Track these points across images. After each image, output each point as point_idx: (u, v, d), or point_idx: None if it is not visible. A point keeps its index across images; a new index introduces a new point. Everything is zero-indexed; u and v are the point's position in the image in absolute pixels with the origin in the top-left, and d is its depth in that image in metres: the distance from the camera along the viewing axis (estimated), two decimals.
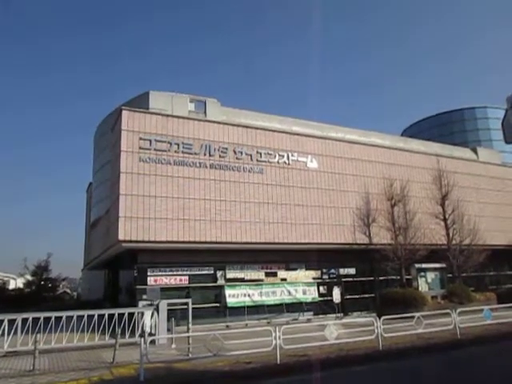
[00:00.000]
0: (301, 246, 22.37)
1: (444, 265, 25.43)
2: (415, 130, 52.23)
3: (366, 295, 24.87)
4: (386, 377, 9.99)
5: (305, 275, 23.82)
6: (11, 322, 13.67)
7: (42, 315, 14.30)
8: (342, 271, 25.06)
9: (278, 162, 23.04)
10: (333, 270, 24.78)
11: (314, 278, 23.99)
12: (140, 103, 22.11)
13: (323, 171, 24.39)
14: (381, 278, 25.09)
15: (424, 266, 24.83)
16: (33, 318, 14.03)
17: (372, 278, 25.21)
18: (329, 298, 23.49)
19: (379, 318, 13.07)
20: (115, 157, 20.62)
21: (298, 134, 24.43)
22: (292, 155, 23.55)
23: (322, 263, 23.56)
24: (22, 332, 13.66)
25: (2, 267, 65.98)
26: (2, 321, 13.53)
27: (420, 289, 23.97)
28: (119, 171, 19.03)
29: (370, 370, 10.62)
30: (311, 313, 23.15)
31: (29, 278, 35.58)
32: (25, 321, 13.89)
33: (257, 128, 23.27)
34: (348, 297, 24.34)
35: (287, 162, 23.32)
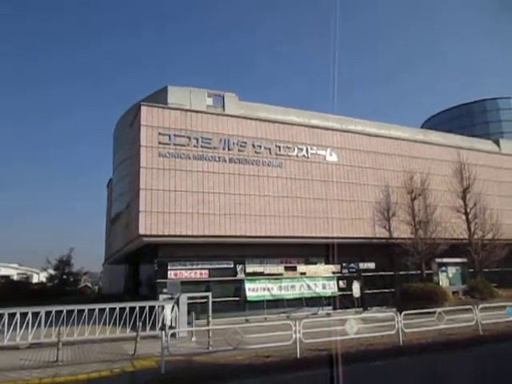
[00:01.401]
0: (320, 239, 22.28)
1: (465, 259, 25.04)
2: (435, 122, 51.28)
3: (386, 290, 24.65)
4: (407, 372, 9.91)
5: (324, 269, 23.76)
6: (35, 315, 14.05)
7: (64, 308, 14.67)
8: (362, 265, 24.92)
9: (296, 156, 22.96)
10: (352, 265, 24.67)
11: (333, 273, 23.91)
12: (158, 98, 22.24)
13: (342, 164, 24.21)
14: (401, 273, 24.82)
15: (445, 260, 24.50)
16: (56, 311, 14.39)
17: (392, 273, 24.95)
18: (348, 293, 23.47)
19: (399, 313, 12.97)
20: (135, 152, 20.83)
21: (316, 127, 24.27)
22: (311, 148, 23.42)
23: (341, 257, 23.39)
24: (45, 324, 14.03)
25: (26, 262, 67.65)
26: (26, 314, 13.91)
27: (441, 284, 23.68)
28: (139, 166, 19.23)
29: (391, 366, 10.54)
30: (330, 307, 23.11)
31: (51, 272, 36.27)
32: (48, 314, 14.27)
33: (275, 122, 23.20)
34: (367, 291, 24.21)
35: (306, 155, 23.21)
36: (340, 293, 23.50)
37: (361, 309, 22.98)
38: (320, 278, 23.28)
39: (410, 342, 12.62)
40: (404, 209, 23.92)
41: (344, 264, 24.39)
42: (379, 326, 13.22)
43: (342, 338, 12.24)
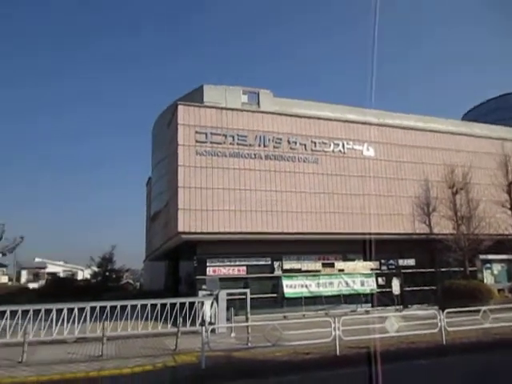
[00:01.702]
0: (357, 236, 21.97)
1: None
2: (475, 114, 49.47)
3: (427, 287, 24.00)
4: (450, 372, 9.68)
5: (362, 266, 23.45)
6: (80, 311, 14.58)
7: (108, 304, 15.16)
8: (401, 262, 24.42)
9: (333, 151, 22.72)
10: (391, 261, 24.22)
11: (372, 269, 23.56)
12: (195, 97, 22.56)
13: (380, 159, 23.75)
14: (442, 270, 24.10)
15: (490, 257, 23.68)
16: (100, 307, 14.90)
17: (433, 270, 24.28)
18: (387, 290, 23.06)
19: (442, 311, 12.65)
20: (172, 151, 21.21)
21: (352, 122, 23.92)
22: (347, 144, 23.12)
23: (380, 254, 22.94)
24: (90, 319, 14.56)
25: (71, 259, 70.43)
26: (73, 309, 14.47)
27: (485, 281, 22.95)
28: (177, 165, 19.57)
29: (433, 365, 10.33)
30: (369, 304, 22.80)
31: (95, 269, 37.37)
32: (93, 309, 14.77)
33: (310, 117, 23.04)
34: (407, 289, 23.70)
35: (342, 150, 22.93)
36: (379, 290, 23.14)
37: (401, 306, 22.54)
38: (358, 275, 23.00)
39: (453, 341, 12.30)
40: (445, 204, 23.20)
41: (383, 261, 23.98)
42: (420, 324, 12.96)
43: (382, 335, 12.09)
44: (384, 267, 24.01)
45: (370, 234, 22.04)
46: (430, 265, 24.44)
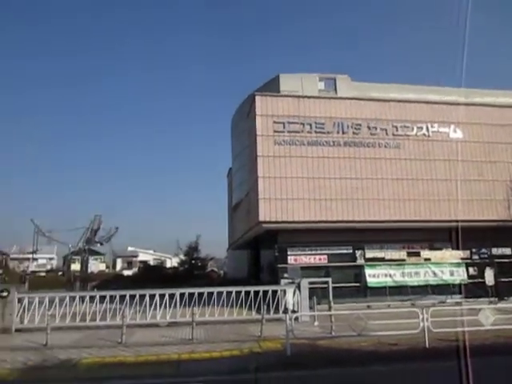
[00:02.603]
0: (445, 223, 20.85)
1: None
2: None
3: None
4: None
5: (451, 255, 22.22)
6: (170, 296, 15.53)
7: (196, 291, 16.00)
8: (495, 251, 22.73)
9: (416, 135, 21.67)
10: (484, 250, 22.65)
11: (461, 259, 22.24)
12: (271, 87, 22.68)
13: (468, 141, 22.18)
14: None
15: None
16: (188, 293, 15.75)
17: None
18: (480, 281, 21.61)
19: None
20: (252, 142, 21.54)
21: (436, 103, 22.58)
22: (432, 126, 21.90)
23: (470, 242, 21.47)
24: (179, 305, 15.43)
25: (160, 248, 74.60)
26: (164, 295, 15.46)
27: None
28: (256, 155, 19.88)
29: None
30: (460, 295, 21.56)
31: (182, 257, 39.24)
32: (181, 295, 15.66)
33: (390, 100, 22.15)
34: (503, 279, 21.99)
35: (426, 133, 21.78)
36: (470, 280, 21.76)
37: (495, 298, 21.02)
38: (447, 265, 21.85)
39: None
40: None
41: (474, 249, 22.50)
42: None
43: (475, 328, 11.45)
44: (475, 256, 22.54)
45: (458, 221, 20.77)
46: None
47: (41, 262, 64.25)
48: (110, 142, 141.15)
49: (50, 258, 71.04)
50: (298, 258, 20.64)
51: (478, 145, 22.29)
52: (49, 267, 64.49)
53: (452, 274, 21.71)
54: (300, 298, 16.19)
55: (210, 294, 15.85)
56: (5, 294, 14.76)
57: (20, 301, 14.99)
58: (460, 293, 21.61)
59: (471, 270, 22.14)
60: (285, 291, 16.27)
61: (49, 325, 12.58)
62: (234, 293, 15.80)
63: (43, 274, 50.51)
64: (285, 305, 15.78)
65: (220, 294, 16.02)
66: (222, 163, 79.60)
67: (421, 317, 11.29)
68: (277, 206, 19.26)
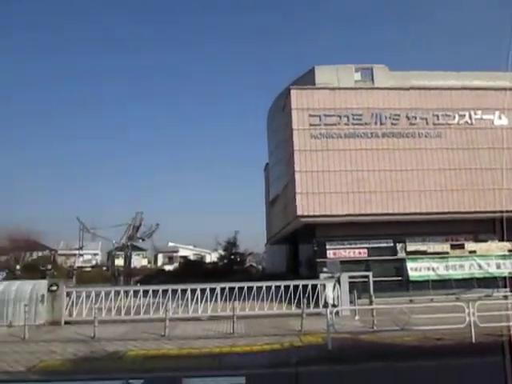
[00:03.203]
0: (490, 214, 20.04)
1: None
2: None
3: None
4: None
5: (498, 247, 21.37)
6: (211, 291, 15.79)
7: (236, 285, 16.20)
8: None
9: (458, 123, 20.93)
10: None
11: (509, 251, 21.36)
12: (307, 80, 22.46)
13: None
14: None
15: None
16: (229, 288, 15.95)
17: None
18: None
19: None
20: (288, 136, 21.44)
21: (480, 89, 21.69)
22: (475, 113, 21.06)
23: None
24: (220, 299, 15.66)
25: (199, 243, 75.70)
26: (205, 289, 15.73)
27: None
28: (293, 149, 19.82)
29: None
30: (508, 289, 20.72)
31: (221, 252, 39.73)
32: (222, 290, 15.87)
33: (430, 88, 21.48)
34: None
35: (469, 121, 20.99)
36: None
37: None
38: (493, 257, 21.05)
39: None
40: None
41: None
42: None
43: None
44: None
45: (504, 211, 19.91)
46: None
47: (86, 257, 66.58)
48: (148, 138, 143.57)
49: (95, 254, 73.40)
50: (336, 251, 20.45)
51: None
52: (94, 262, 66.78)
53: (499, 266, 20.90)
54: (340, 293, 16.06)
55: (250, 289, 15.98)
56: (54, 288, 15.50)
57: (68, 295, 15.69)
58: (507, 286, 20.78)
59: None
60: (324, 285, 16.19)
61: (96, 318, 13.09)
62: (273, 287, 15.88)
63: (89, 269, 52.43)
64: (325, 299, 15.71)
65: (259, 288, 16.13)
66: (260, 158, 79.40)
67: (466, 311, 10.96)
68: (314, 199, 19.14)
